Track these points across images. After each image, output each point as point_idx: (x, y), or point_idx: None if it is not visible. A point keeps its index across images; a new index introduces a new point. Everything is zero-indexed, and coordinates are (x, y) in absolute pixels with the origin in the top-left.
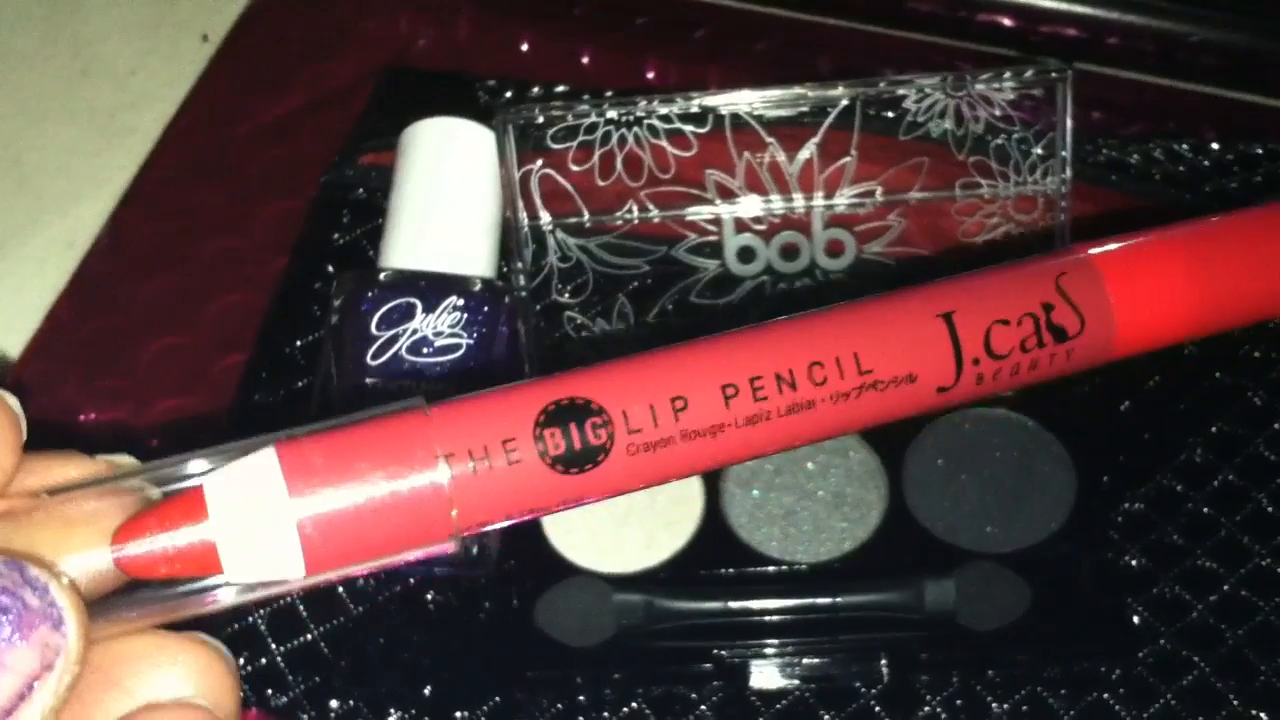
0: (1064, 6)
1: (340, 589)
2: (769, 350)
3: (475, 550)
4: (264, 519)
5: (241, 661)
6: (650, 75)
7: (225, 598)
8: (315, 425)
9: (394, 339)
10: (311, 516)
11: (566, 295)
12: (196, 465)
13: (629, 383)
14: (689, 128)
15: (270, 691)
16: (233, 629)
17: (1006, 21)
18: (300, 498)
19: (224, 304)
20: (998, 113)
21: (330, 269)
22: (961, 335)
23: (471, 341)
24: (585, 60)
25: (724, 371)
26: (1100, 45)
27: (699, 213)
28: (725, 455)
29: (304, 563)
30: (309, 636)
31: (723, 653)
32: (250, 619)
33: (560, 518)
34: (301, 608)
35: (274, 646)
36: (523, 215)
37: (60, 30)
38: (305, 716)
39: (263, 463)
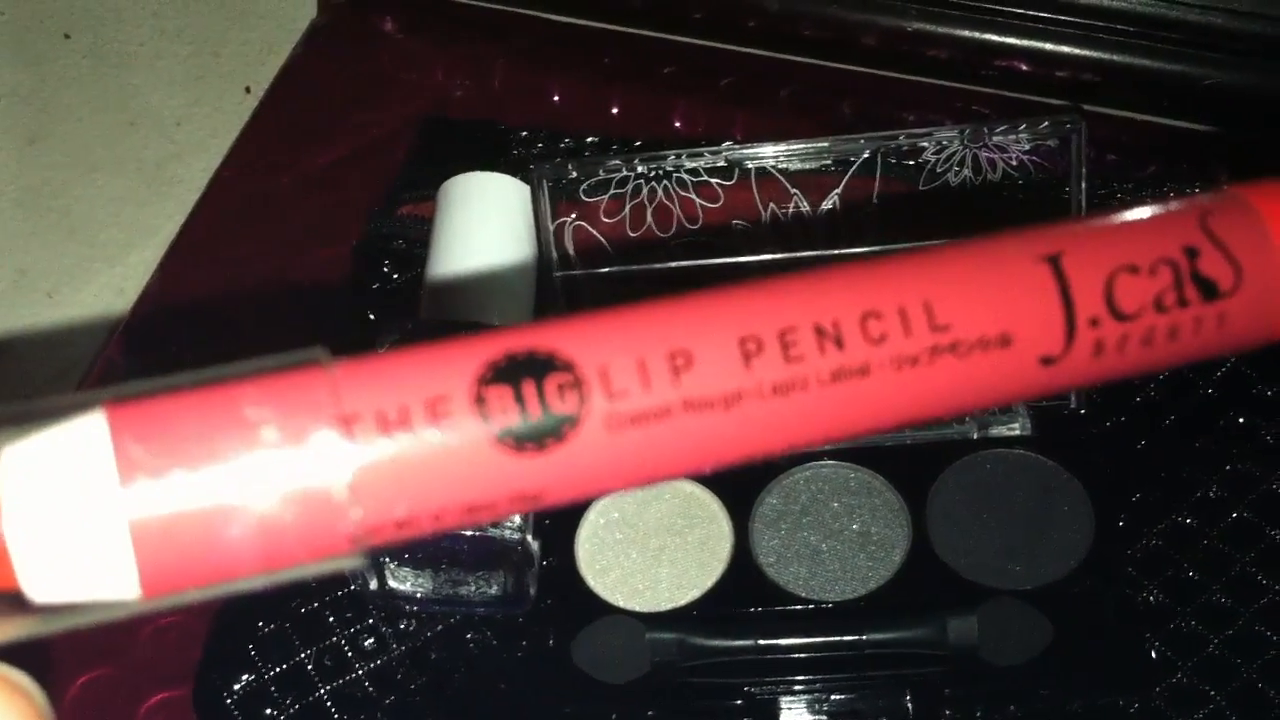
0: (1080, 52)
1: (384, 628)
2: (807, 296)
3: (513, 588)
4: (81, 515)
5: (288, 701)
6: (678, 124)
7: (31, 621)
8: (166, 379)
9: None
10: (152, 515)
11: None
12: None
13: (611, 332)
14: (716, 180)
15: None
16: (280, 669)
17: (1023, 66)
18: (137, 485)
19: (271, 349)
20: (1014, 161)
21: (372, 316)
22: (1074, 284)
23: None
24: (615, 110)
25: (743, 320)
26: (1114, 88)
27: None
28: (744, 440)
29: (139, 579)
30: (354, 675)
31: (753, 689)
32: (298, 658)
33: (595, 557)
34: (346, 647)
35: (320, 685)
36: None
37: (108, 84)
38: None
39: (85, 433)
